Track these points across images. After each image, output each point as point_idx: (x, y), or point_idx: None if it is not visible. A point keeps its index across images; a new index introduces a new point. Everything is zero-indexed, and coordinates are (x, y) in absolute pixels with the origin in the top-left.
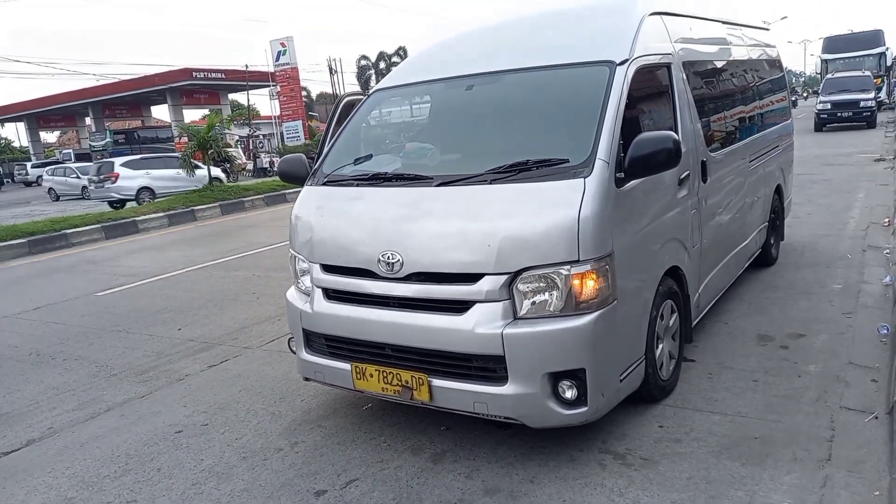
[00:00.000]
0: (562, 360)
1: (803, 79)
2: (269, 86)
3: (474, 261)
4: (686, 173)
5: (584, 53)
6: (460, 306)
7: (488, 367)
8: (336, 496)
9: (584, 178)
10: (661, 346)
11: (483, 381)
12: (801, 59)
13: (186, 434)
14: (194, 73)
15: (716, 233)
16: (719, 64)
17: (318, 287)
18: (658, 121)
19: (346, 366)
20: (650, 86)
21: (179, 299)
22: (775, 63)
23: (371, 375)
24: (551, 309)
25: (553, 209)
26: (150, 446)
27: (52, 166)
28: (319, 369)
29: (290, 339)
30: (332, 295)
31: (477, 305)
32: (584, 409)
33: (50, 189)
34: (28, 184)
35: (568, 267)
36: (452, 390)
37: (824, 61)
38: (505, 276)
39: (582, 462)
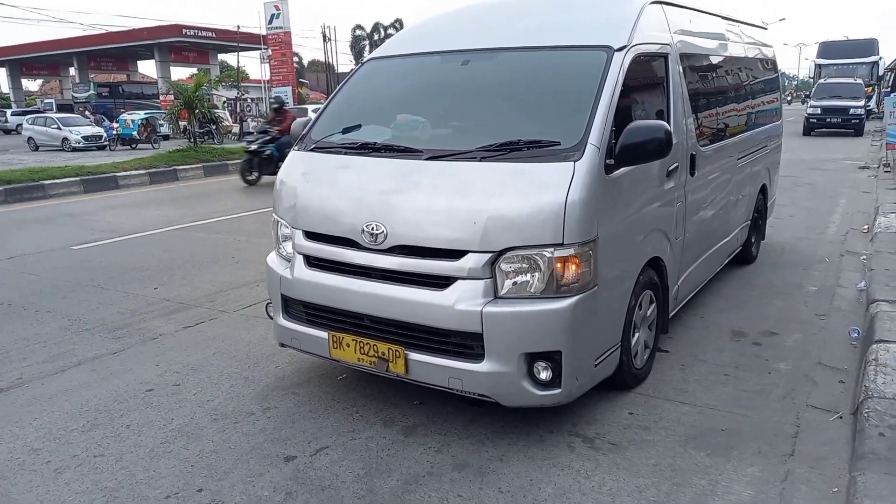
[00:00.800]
0: (539, 342)
1: (796, 82)
2: (260, 49)
3: (459, 237)
4: (674, 165)
5: (583, 37)
6: (442, 282)
7: (466, 343)
8: (306, 462)
9: (574, 161)
10: (637, 335)
11: (459, 358)
12: (796, 61)
13: (157, 393)
14: (184, 30)
15: (699, 227)
16: (716, 59)
17: (300, 254)
18: (651, 110)
19: (324, 334)
20: (646, 74)
21: (157, 258)
22: (771, 63)
23: (348, 345)
24: (532, 290)
25: (541, 191)
26: (119, 403)
27: (33, 115)
28: (296, 336)
29: (267, 305)
30: (314, 262)
31: (459, 282)
32: (558, 391)
33: (29, 138)
34: (7, 131)
35: (552, 249)
36: (428, 364)
37: (818, 66)
38: (488, 255)
39: (551, 443)
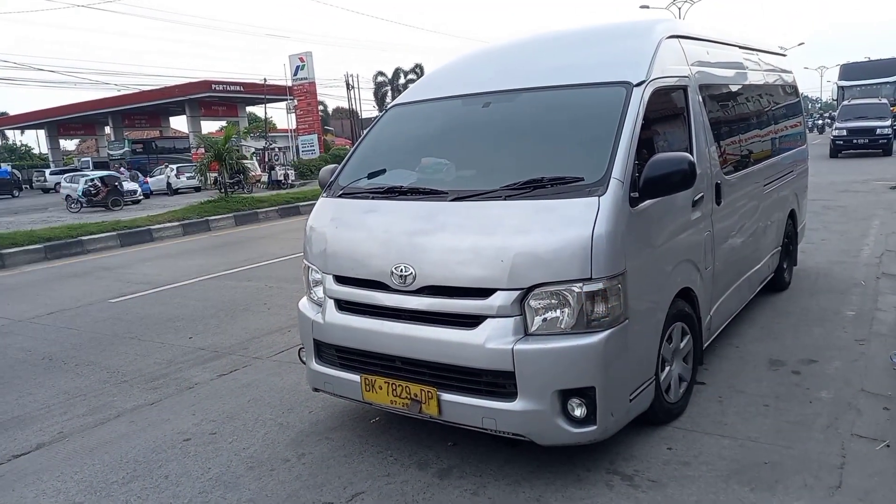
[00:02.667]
0: (572, 378)
1: (819, 105)
2: (286, 99)
3: (487, 276)
4: (700, 195)
5: (602, 74)
6: (472, 321)
7: (498, 382)
8: None
9: (599, 196)
10: (668, 368)
11: (492, 397)
12: (818, 84)
13: (194, 442)
14: (213, 86)
15: (729, 255)
16: (735, 88)
17: (331, 298)
18: (673, 142)
19: (356, 377)
20: (666, 107)
21: (192, 308)
22: (791, 88)
23: (380, 388)
24: (562, 326)
25: (567, 227)
26: (158, 453)
27: (70, 173)
28: (329, 380)
29: (300, 350)
30: (345, 306)
31: (488, 320)
32: (594, 427)
33: (67, 196)
34: (46, 190)
35: (580, 284)
36: (461, 405)
37: (841, 88)
38: (517, 292)
39: (589, 482)
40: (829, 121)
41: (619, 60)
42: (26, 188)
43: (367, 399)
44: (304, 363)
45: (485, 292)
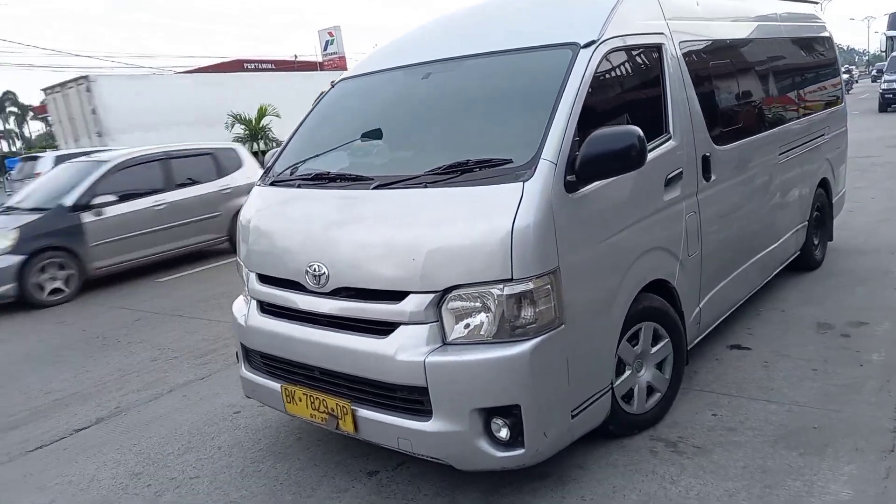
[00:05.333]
0: (492, 395)
1: (867, 57)
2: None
3: (398, 276)
4: (677, 170)
5: (553, 34)
6: (386, 328)
7: (413, 398)
8: (388, 476)
9: (524, 181)
10: (626, 374)
11: (408, 415)
12: (865, 36)
13: (244, 415)
14: (245, 65)
15: (727, 237)
16: (736, 43)
17: (254, 298)
18: (640, 112)
19: (278, 386)
20: (632, 70)
21: (236, 285)
22: (822, 41)
23: (300, 399)
24: (483, 334)
25: (484, 218)
26: (210, 426)
27: None
28: (256, 388)
29: (236, 352)
30: (266, 308)
31: (401, 328)
32: (521, 451)
33: None
34: None
35: (500, 286)
36: (377, 423)
37: (889, 38)
38: (431, 296)
39: (632, 449)
40: (876, 73)
41: (575, 18)
42: None
43: (290, 411)
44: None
45: (397, 295)
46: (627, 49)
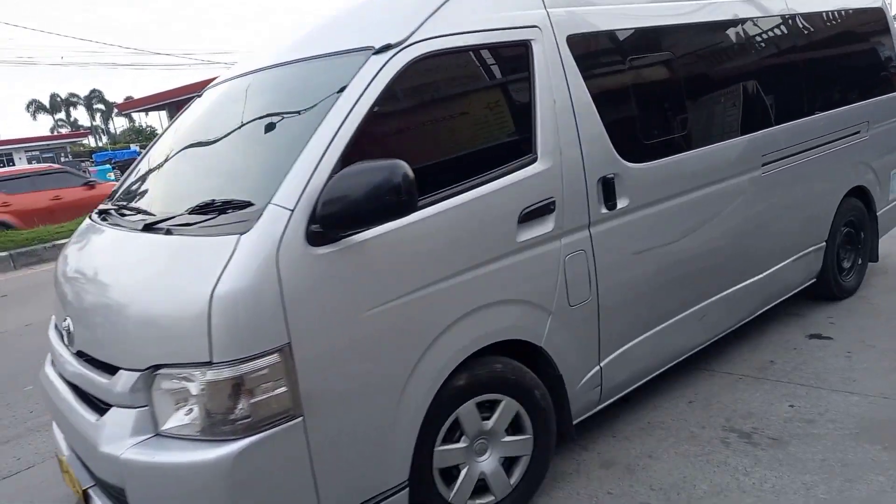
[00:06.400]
0: None
1: None
2: None
3: (110, 346)
4: (544, 201)
5: (357, 37)
6: (104, 407)
7: (123, 499)
8: None
9: (240, 234)
10: (453, 462)
11: None
12: None
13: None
14: None
15: (651, 278)
16: (677, 29)
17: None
18: (478, 132)
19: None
20: (470, 78)
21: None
22: (861, 13)
23: (66, 471)
24: (196, 426)
25: (190, 282)
26: None
27: None
28: (57, 446)
29: None
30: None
31: (113, 409)
32: None
33: None
34: None
35: (201, 370)
36: None
37: None
38: (137, 374)
39: (704, 439)
40: None
41: (395, 13)
42: None
43: (66, 481)
44: None
45: (111, 368)
46: (460, 52)
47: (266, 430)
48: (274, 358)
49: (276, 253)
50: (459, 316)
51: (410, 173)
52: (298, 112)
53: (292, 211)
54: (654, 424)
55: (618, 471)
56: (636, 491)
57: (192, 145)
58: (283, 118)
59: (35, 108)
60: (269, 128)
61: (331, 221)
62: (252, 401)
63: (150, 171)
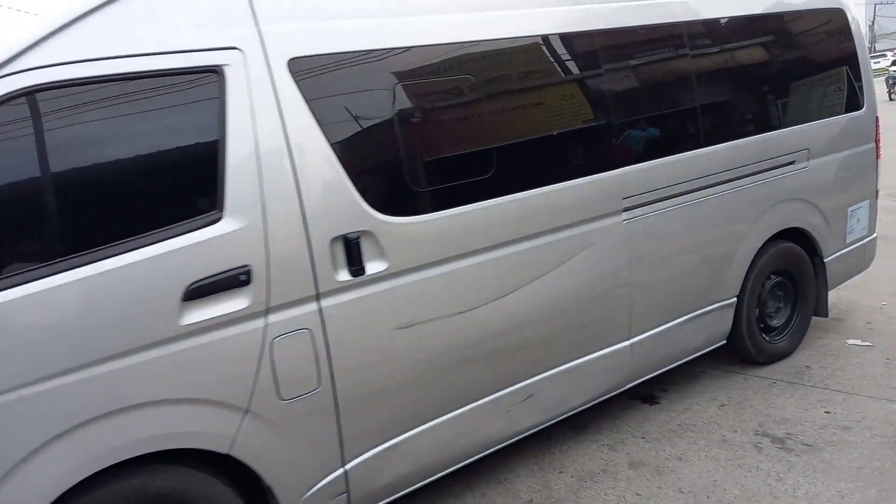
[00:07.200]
0: None
1: None
2: None
3: None
4: (236, 270)
5: None
6: None
7: None
8: (481, 460)
9: None
10: None
11: None
12: None
13: None
14: None
15: (438, 354)
16: (478, 45)
17: None
18: (140, 183)
19: None
20: (120, 117)
21: None
22: (811, 17)
23: None
24: None
25: None
26: None
27: None
28: None
29: None
30: None
31: None
32: None
33: None
34: None
35: None
36: None
37: None
38: None
39: (735, 443)
40: None
41: None
42: None
43: None
44: None
45: None
46: (98, 82)
47: None
48: None
49: None
50: (80, 422)
51: None
52: None
53: None
54: (685, 427)
55: (646, 472)
56: (665, 493)
57: None
58: None
59: None
60: None
61: None
62: None
63: None
